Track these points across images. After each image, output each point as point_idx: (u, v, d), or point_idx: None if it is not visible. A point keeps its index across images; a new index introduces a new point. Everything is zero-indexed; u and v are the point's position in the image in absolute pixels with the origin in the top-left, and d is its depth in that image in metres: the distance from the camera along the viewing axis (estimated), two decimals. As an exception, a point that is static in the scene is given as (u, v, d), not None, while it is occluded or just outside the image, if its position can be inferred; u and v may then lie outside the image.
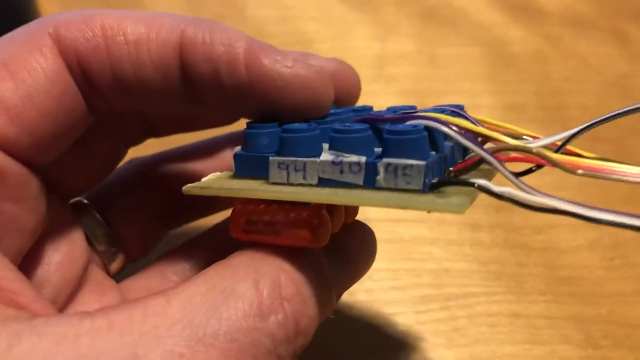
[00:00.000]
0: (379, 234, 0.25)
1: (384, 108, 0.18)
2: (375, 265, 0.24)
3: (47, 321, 0.12)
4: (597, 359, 0.22)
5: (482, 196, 0.27)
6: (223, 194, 0.15)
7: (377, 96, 0.31)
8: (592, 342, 0.22)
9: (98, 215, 0.18)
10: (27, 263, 0.15)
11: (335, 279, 0.15)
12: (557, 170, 0.29)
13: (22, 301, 0.13)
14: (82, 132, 0.16)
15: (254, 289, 0.12)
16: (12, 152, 0.14)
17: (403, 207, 0.13)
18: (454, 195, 0.13)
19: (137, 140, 0.19)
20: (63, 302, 0.16)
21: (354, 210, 0.16)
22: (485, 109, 0.32)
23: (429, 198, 0.13)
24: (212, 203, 0.20)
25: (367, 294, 0.23)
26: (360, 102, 0.19)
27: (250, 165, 0.15)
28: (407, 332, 0.22)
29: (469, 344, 0.22)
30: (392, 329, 0.22)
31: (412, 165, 0.13)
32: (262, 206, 0.14)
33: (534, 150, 0.14)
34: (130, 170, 0.20)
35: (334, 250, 0.15)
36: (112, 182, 0.19)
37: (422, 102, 0.30)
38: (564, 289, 0.24)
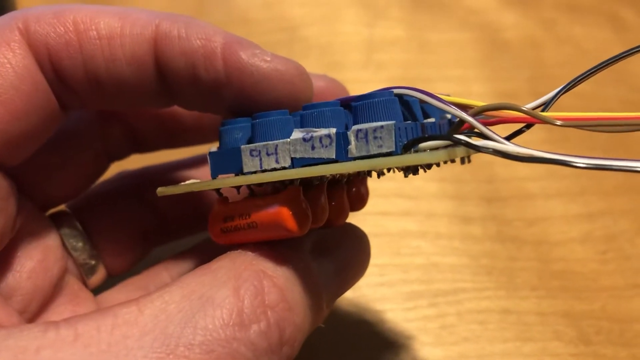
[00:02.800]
0: (365, 228, 0.24)
1: None
2: (362, 260, 0.23)
3: (8, 333, 0.11)
4: (590, 356, 0.21)
5: (473, 187, 0.26)
6: (195, 188, 0.14)
7: (365, 84, 0.30)
8: (584, 338, 0.22)
9: (79, 226, 0.18)
10: None
11: (325, 285, 0.14)
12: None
13: None
14: (54, 132, 0.15)
15: (234, 296, 0.12)
16: None
17: (374, 168, 0.12)
18: (428, 151, 0.12)
19: (121, 153, 0.19)
20: (34, 312, 0.16)
21: (342, 207, 0.16)
22: (478, 96, 0.31)
23: (399, 156, 0.12)
24: (199, 219, 0.19)
25: (354, 290, 0.22)
26: (349, 90, 0.19)
27: (225, 161, 0.14)
28: (394, 330, 0.21)
29: (458, 342, 0.21)
30: (379, 327, 0.21)
31: (381, 127, 0.12)
32: (239, 202, 0.14)
33: (522, 108, 0.14)
34: (117, 182, 0.19)
35: (324, 254, 0.14)
36: (97, 193, 0.19)
37: (412, 90, 0.29)
38: (556, 283, 0.23)
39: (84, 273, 0.18)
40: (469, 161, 0.17)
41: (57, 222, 0.17)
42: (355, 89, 0.18)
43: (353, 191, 0.16)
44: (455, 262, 0.24)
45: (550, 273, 0.24)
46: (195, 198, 0.19)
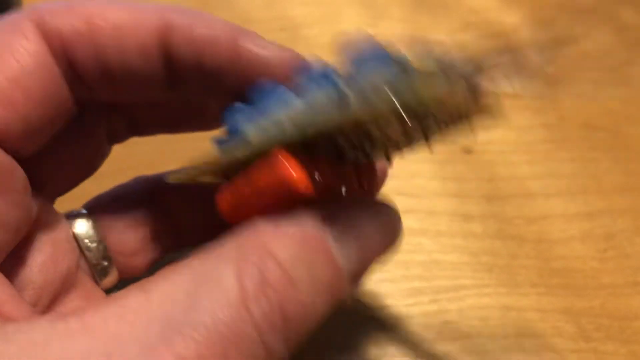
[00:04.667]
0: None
1: None
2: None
3: (17, 327, 0.11)
4: (590, 352, 0.22)
5: (474, 185, 0.27)
6: (205, 166, 0.14)
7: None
8: (584, 335, 0.22)
9: (93, 227, 0.18)
10: (10, 263, 0.15)
11: (346, 261, 0.13)
12: (551, 159, 0.28)
13: None
14: (67, 123, 0.15)
15: (237, 277, 0.12)
16: (2, 139, 0.14)
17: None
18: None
19: (120, 137, 0.19)
20: (45, 305, 0.16)
21: (369, 173, 0.16)
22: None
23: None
24: (212, 225, 0.19)
25: (355, 286, 0.22)
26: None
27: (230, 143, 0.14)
28: (396, 325, 0.22)
29: (459, 337, 0.21)
30: (381, 323, 0.22)
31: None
32: (241, 172, 0.14)
33: None
34: (132, 186, 0.19)
35: (345, 229, 0.14)
36: (113, 196, 0.19)
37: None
38: (557, 280, 0.23)
39: (97, 274, 0.18)
40: None
41: (72, 221, 0.17)
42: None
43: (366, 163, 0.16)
44: (456, 259, 0.24)
45: (550, 270, 0.24)
46: (208, 203, 0.19)
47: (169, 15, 0.15)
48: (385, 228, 0.15)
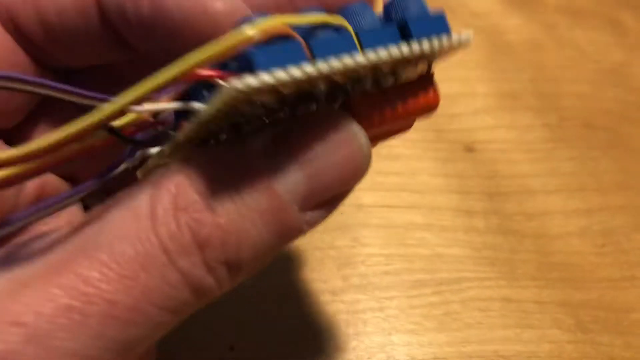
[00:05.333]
0: (372, 220, 0.25)
1: None
2: (369, 250, 0.24)
3: None
4: (586, 343, 0.22)
5: (476, 182, 0.27)
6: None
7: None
8: (581, 326, 0.23)
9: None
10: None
11: (288, 185, 0.12)
12: (551, 158, 0.29)
13: None
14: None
15: (149, 202, 0.12)
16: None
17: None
18: None
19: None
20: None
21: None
22: (480, 97, 0.32)
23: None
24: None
25: (361, 278, 0.23)
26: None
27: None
28: (400, 315, 0.22)
29: (460, 328, 0.22)
30: (385, 313, 0.22)
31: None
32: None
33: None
34: None
35: (286, 152, 0.12)
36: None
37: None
38: (555, 274, 0.24)
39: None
40: None
41: None
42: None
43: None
44: (458, 253, 0.25)
45: (549, 265, 0.25)
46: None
47: None
48: (343, 153, 0.13)
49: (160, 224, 0.11)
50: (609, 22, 0.37)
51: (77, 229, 0.12)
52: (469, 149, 0.29)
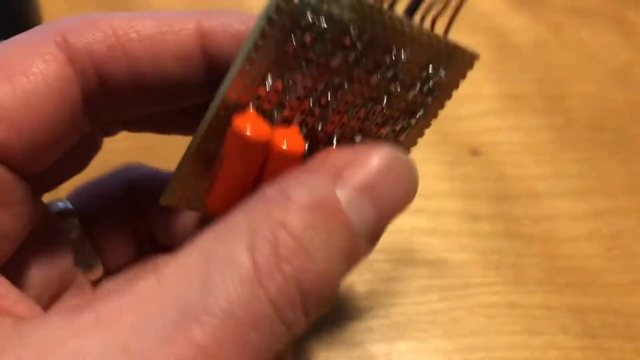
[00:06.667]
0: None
1: None
2: (374, 256, 0.24)
3: (34, 326, 0.11)
4: (595, 349, 0.22)
5: (482, 186, 0.27)
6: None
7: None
8: (590, 332, 0.23)
9: (77, 222, 0.18)
10: (9, 265, 0.15)
11: (361, 221, 0.12)
12: (558, 160, 0.29)
13: (4, 304, 0.12)
14: (75, 143, 0.15)
15: (248, 254, 0.11)
16: (5, 159, 0.13)
17: None
18: None
19: (112, 131, 0.18)
20: (47, 304, 0.16)
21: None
22: (486, 99, 0.32)
23: None
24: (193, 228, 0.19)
25: (366, 284, 0.23)
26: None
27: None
28: (406, 322, 0.22)
29: (467, 334, 0.22)
30: (391, 319, 0.22)
31: None
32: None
33: None
34: (118, 179, 0.19)
35: (357, 182, 0.13)
36: (96, 190, 0.19)
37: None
38: (563, 279, 0.24)
39: (83, 270, 0.18)
40: None
41: (61, 217, 0.17)
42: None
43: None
44: (464, 258, 0.24)
45: (557, 269, 0.24)
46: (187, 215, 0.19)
47: (200, 18, 0.15)
48: (401, 180, 0.14)
49: (266, 278, 0.11)
50: (616, 21, 0.37)
51: (163, 285, 0.11)
52: (475, 151, 0.28)
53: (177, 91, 0.15)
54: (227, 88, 0.13)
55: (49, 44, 0.14)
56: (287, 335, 0.12)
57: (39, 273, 0.16)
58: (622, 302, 0.23)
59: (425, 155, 0.28)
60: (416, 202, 0.26)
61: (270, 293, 0.11)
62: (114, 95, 0.15)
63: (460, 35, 0.36)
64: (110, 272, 0.18)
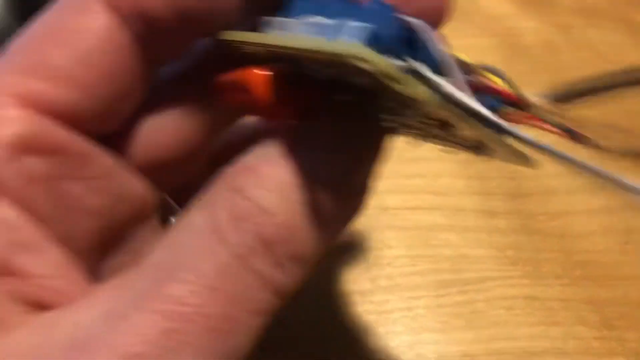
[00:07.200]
0: (397, 222, 0.26)
1: None
2: (395, 252, 0.25)
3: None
4: (613, 340, 0.23)
5: (498, 183, 0.28)
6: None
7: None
8: (607, 323, 0.23)
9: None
10: (113, 254, 0.15)
11: (316, 174, 0.13)
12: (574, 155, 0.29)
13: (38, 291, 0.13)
14: (145, 95, 0.15)
15: (209, 219, 0.12)
16: (76, 123, 0.14)
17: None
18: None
19: None
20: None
21: None
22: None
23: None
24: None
25: (388, 279, 0.24)
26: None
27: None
28: (428, 315, 0.23)
29: (487, 325, 0.23)
30: (414, 312, 0.23)
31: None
32: None
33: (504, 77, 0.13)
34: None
35: (313, 145, 0.13)
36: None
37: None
38: (579, 272, 0.25)
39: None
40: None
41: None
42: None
43: None
44: (482, 254, 0.25)
45: (573, 263, 0.25)
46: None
47: None
48: (368, 153, 0.14)
49: (226, 234, 0.12)
50: (623, 22, 0.38)
51: (144, 259, 0.12)
52: (489, 150, 0.29)
53: (222, 17, 0.14)
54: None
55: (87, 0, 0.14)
56: (267, 289, 0.12)
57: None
58: (638, 294, 0.24)
59: (442, 154, 0.28)
60: (434, 200, 0.27)
61: (231, 246, 0.12)
62: (164, 33, 0.14)
63: (470, 38, 0.37)
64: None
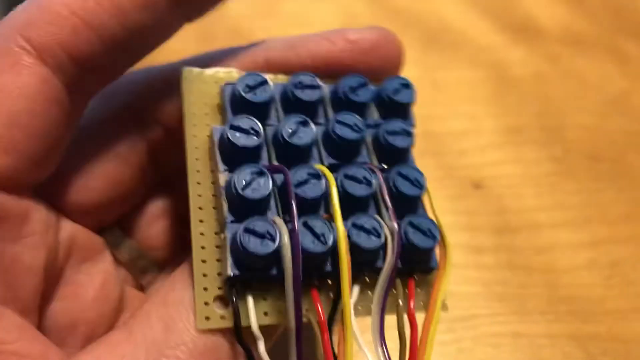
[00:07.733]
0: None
1: None
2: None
3: None
4: (597, 375, 0.23)
5: (485, 219, 0.28)
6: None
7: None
8: (592, 358, 0.24)
9: (121, 233, 0.18)
10: (58, 304, 0.15)
11: None
12: (557, 191, 0.30)
13: None
14: (72, 133, 0.15)
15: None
16: (9, 185, 0.13)
17: None
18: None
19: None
20: (102, 334, 0.16)
21: None
22: (487, 132, 0.33)
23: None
24: None
25: (377, 318, 0.24)
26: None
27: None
28: (415, 354, 0.23)
29: (473, 364, 0.23)
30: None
31: None
32: None
33: None
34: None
35: None
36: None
37: (425, 127, 0.32)
38: (564, 307, 0.25)
39: (137, 275, 0.18)
40: None
41: (101, 231, 0.17)
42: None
43: None
44: (469, 290, 0.26)
45: (558, 298, 0.25)
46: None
47: None
48: None
49: None
50: (610, 50, 0.38)
51: (132, 331, 0.14)
52: (477, 185, 0.30)
53: (149, 31, 0.15)
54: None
55: (13, 52, 0.13)
56: None
57: (91, 310, 0.16)
58: (621, 329, 0.25)
59: (430, 189, 0.29)
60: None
61: None
62: (94, 68, 0.14)
63: (460, 70, 0.37)
64: (165, 265, 0.19)
